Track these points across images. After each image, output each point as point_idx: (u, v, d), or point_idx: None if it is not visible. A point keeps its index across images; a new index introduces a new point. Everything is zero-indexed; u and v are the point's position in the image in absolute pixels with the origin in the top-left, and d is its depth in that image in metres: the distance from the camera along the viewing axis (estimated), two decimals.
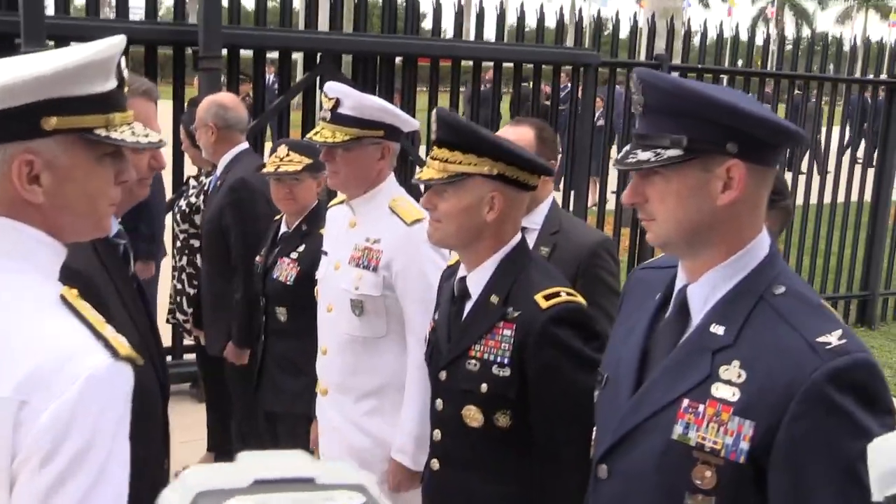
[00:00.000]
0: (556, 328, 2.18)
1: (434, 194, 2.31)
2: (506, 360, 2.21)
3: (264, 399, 3.63)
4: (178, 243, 4.78)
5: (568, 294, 2.24)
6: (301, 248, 3.50)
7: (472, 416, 2.26)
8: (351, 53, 6.23)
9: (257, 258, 3.75)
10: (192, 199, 4.70)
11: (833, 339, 1.50)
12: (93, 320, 1.34)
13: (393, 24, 6.25)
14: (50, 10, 5.26)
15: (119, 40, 1.45)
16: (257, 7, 5.90)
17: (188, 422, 5.08)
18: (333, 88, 2.88)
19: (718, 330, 1.60)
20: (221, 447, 4.79)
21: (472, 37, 6.76)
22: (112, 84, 1.44)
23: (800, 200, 8.24)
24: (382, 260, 2.82)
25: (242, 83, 6.78)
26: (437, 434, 2.38)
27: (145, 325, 1.99)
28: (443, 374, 2.34)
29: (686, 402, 1.58)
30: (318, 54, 6.02)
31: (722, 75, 7.54)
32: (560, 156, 3.69)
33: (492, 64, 6.89)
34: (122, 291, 1.91)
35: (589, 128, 6.94)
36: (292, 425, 3.43)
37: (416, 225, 2.81)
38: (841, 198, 8.34)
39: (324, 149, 2.88)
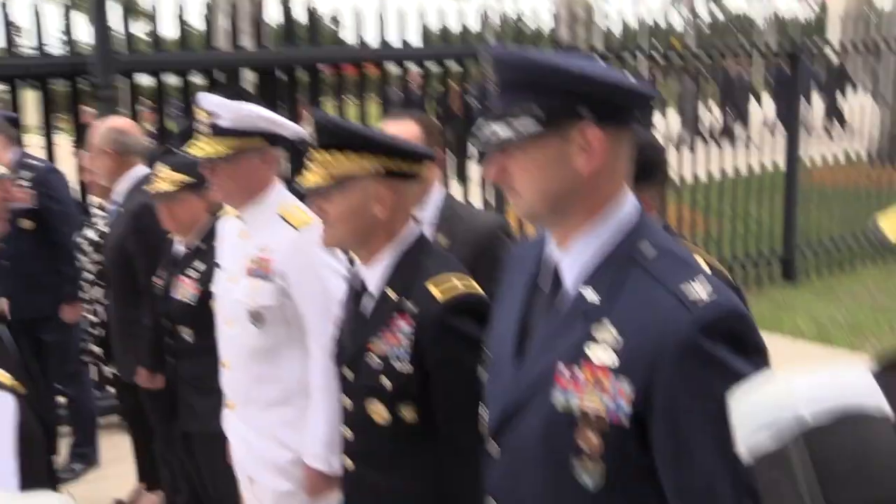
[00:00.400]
0: (453, 319, 2.17)
1: (321, 199, 2.30)
2: (405, 355, 2.20)
3: (180, 421, 3.58)
4: (90, 276, 4.68)
5: (463, 283, 2.23)
6: (200, 267, 3.44)
7: (378, 411, 2.24)
8: (251, 67, 6.20)
9: (156, 280, 3.70)
10: (103, 229, 4.60)
11: (702, 291, 1.51)
12: None
13: (292, 36, 6.24)
14: None
15: None
16: (154, 31, 5.84)
17: (122, 454, 5.02)
18: (208, 101, 2.84)
19: (590, 294, 1.60)
20: (151, 476, 4.72)
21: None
22: None
23: (722, 169, 8.48)
24: (275, 268, 2.80)
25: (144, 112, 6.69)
26: (348, 432, 2.36)
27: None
28: (347, 371, 2.33)
29: (564, 368, 1.58)
30: (222, 73, 5.98)
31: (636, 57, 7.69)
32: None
33: (419, 69, 6.93)
34: None
35: None
36: (209, 444, 3.38)
37: (305, 229, 2.79)
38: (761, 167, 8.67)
39: (205, 164, 2.84)
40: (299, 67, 6.27)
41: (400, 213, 2.32)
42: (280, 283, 2.79)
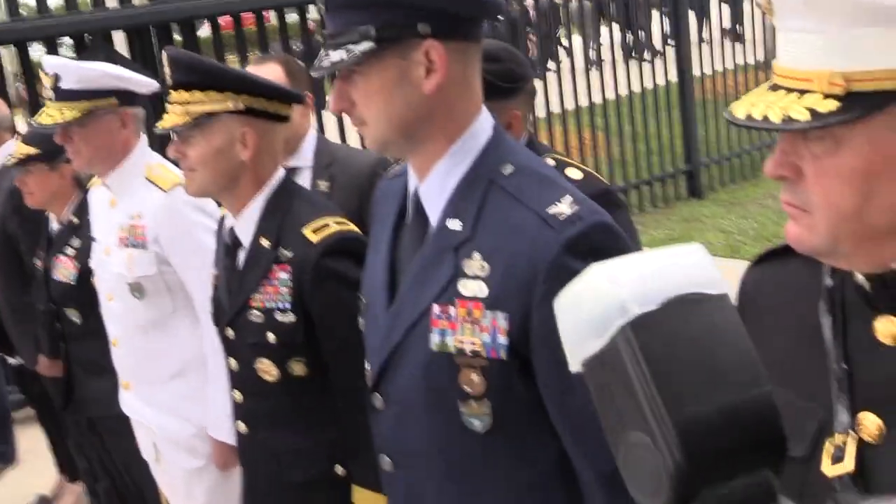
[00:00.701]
0: (331, 261, 2.06)
1: (181, 143, 2.15)
2: (287, 305, 2.09)
3: (81, 407, 3.41)
4: None
5: (337, 223, 2.12)
6: (76, 244, 3.23)
7: (266, 369, 2.13)
8: (121, 29, 5.90)
9: (37, 262, 3.48)
10: None
11: (565, 207, 1.41)
12: None
13: None
14: None
15: None
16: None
17: (40, 446, 4.81)
18: (51, 63, 2.65)
19: (455, 225, 1.49)
20: (71, 466, 4.54)
21: None
22: None
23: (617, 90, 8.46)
24: (149, 234, 2.64)
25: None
26: (238, 395, 2.25)
27: None
28: (229, 332, 2.21)
29: (436, 307, 1.47)
30: (85, 36, 5.67)
31: None
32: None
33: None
34: None
35: None
36: (114, 428, 3.22)
37: (175, 190, 2.62)
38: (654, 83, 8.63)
39: (58, 131, 2.65)
40: (174, 24, 5.98)
41: (267, 156, 2.19)
42: (156, 249, 2.64)
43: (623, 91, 8.38)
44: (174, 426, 2.78)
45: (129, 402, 2.88)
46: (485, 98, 1.57)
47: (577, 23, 13.86)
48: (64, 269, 3.22)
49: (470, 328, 1.44)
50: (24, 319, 3.94)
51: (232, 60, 6.55)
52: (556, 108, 8.07)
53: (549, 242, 1.38)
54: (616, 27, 9.26)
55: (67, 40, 5.98)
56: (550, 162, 2.21)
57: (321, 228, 2.09)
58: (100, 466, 3.65)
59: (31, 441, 5.07)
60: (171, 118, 2.13)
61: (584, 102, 8.05)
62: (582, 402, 1.38)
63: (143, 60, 5.75)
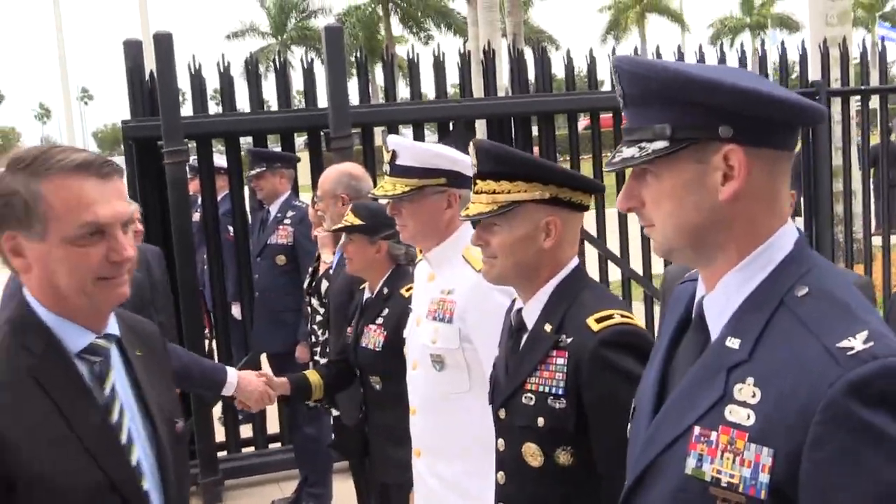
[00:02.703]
0: (608, 351, 2.01)
1: (484, 230, 2.22)
2: (560, 391, 2.06)
3: (376, 470, 3.55)
4: (318, 318, 4.83)
5: (622, 316, 2.07)
6: (385, 313, 3.40)
7: (532, 453, 2.11)
8: (483, 118, 6.25)
9: (348, 329, 3.70)
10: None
11: (857, 342, 1.24)
12: None
13: (524, 85, 6.23)
14: (188, 110, 5.59)
15: None
16: (386, 85, 6.04)
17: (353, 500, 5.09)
18: (391, 141, 2.84)
19: (734, 344, 1.37)
20: None
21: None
22: None
23: None
24: (457, 311, 2.71)
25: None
26: (501, 476, 2.24)
27: (124, 463, 1.78)
28: (502, 412, 2.22)
29: (698, 429, 1.37)
30: (450, 123, 6.07)
31: (889, 94, 7.02)
32: None
33: None
34: (71, 420, 1.70)
35: None
36: (406, 494, 3.33)
37: (483, 269, 2.69)
38: None
39: (389, 204, 2.83)
40: (532, 117, 6.26)
41: (567, 245, 2.21)
42: (460, 325, 2.70)
43: None
44: (455, 500, 2.80)
45: (419, 468, 2.95)
46: None
47: None
48: (372, 337, 3.39)
49: (730, 458, 1.32)
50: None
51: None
52: None
53: (832, 380, 1.23)
54: None
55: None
56: None
57: (605, 319, 2.05)
58: None
59: (345, 491, 5.34)
60: (478, 206, 2.20)
61: None
62: None
63: None
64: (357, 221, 3.50)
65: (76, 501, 1.67)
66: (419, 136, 6.18)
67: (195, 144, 5.78)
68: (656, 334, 1.71)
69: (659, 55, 6.47)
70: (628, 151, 1.44)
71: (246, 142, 6.31)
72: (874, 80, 7.27)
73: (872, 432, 1.19)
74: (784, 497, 1.27)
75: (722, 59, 6.72)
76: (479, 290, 2.67)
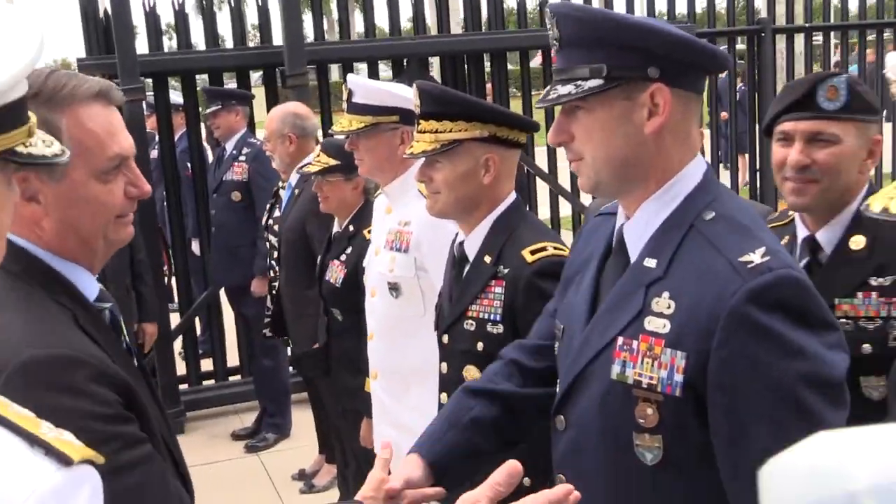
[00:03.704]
0: (541, 280, 2.17)
1: (427, 167, 2.36)
2: (498, 318, 2.24)
3: (334, 397, 3.73)
4: (276, 253, 4.94)
5: (555, 248, 2.23)
6: (348, 250, 3.56)
7: (472, 375, 2.27)
8: (437, 55, 6.34)
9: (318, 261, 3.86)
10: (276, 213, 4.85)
11: (756, 257, 1.43)
12: (18, 419, 0.93)
13: (477, 22, 6.31)
14: (143, 49, 5.60)
15: (40, 25, 1.12)
16: (340, 22, 6.09)
17: (311, 428, 5.28)
18: (350, 80, 2.97)
19: (651, 263, 1.55)
20: (330, 448, 4.92)
21: None
22: (25, 86, 1.11)
23: None
24: (412, 241, 2.86)
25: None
26: (444, 396, 2.40)
27: (152, 403, 1.57)
28: (445, 338, 2.38)
29: (621, 339, 1.54)
30: (405, 60, 6.15)
31: (831, 32, 7.20)
32: None
33: None
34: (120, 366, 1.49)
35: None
36: (357, 421, 3.53)
37: (427, 203, 2.83)
38: None
39: (347, 139, 2.97)
40: (485, 54, 6.34)
41: (504, 180, 2.36)
42: (416, 255, 2.85)
43: None
44: (408, 416, 2.95)
45: (374, 389, 3.12)
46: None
47: None
48: (335, 272, 3.56)
49: (650, 363, 1.50)
50: (302, 312, 4.34)
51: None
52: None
53: (734, 289, 1.41)
54: None
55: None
56: None
57: (539, 251, 2.22)
58: (350, 453, 3.95)
59: (304, 421, 5.56)
60: (421, 145, 2.33)
61: None
62: (747, 455, 1.40)
63: (453, 85, 6.12)
64: (331, 161, 3.61)
65: (167, 471, 1.48)
66: (374, 73, 6.26)
67: (151, 81, 5.80)
68: (569, 260, 1.88)
69: None
70: (564, 89, 1.57)
71: (202, 79, 6.34)
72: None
73: (768, 332, 1.39)
74: (695, 393, 1.46)
75: None
76: (434, 221, 2.82)
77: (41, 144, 1.13)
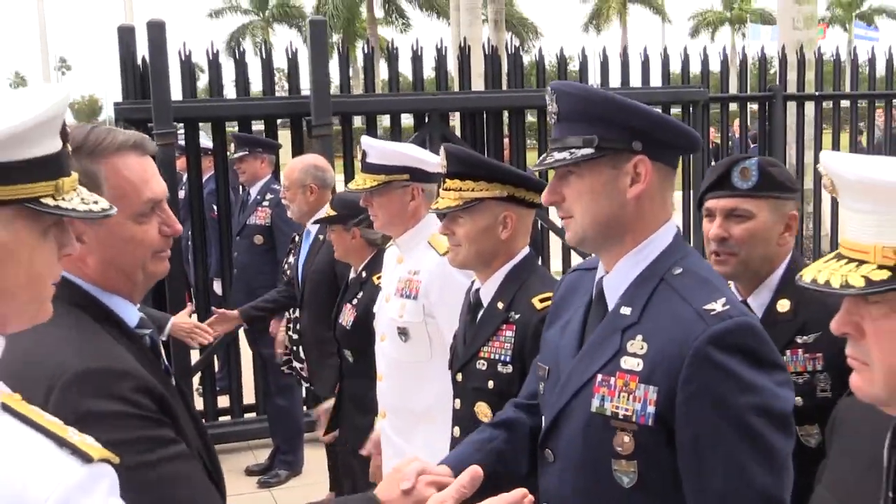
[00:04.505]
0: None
1: (450, 221, 2.59)
2: (508, 359, 2.45)
3: (348, 435, 3.90)
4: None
5: None
6: (360, 295, 3.78)
7: (483, 411, 2.49)
8: (457, 110, 6.58)
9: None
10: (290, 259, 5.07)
11: (717, 306, 1.66)
12: (49, 425, 1.11)
13: (497, 77, 6.56)
14: (177, 95, 5.87)
15: (64, 93, 1.26)
16: (365, 76, 6.35)
17: (323, 465, 5.44)
18: (364, 141, 3.22)
19: (626, 311, 1.77)
20: (341, 484, 5.06)
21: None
22: (58, 144, 1.24)
23: None
24: (421, 289, 3.07)
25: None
26: (457, 431, 2.61)
27: (189, 422, 1.75)
28: (459, 376, 2.59)
29: (600, 376, 1.75)
30: (426, 114, 6.40)
31: (842, 101, 7.40)
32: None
33: None
34: (163, 391, 1.66)
35: (700, 164, 6.97)
36: (367, 459, 3.69)
37: (448, 254, 3.03)
38: None
39: (362, 196, 3.21)
40: (505, 111, 6.58)
41: (520, 236, 2.59)
42: (424, 302, 3.06)
43: None
44: (421, 454, 3.13)
45: (383, 427, 3.31)
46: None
47: None
48: (346, 315, 3.79)
49: (626, 396, 1.71)
50: (323, 353, 4.53)
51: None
52: None
53: (698, 333, 1.64)
54: None
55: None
56: None
57: (547, 299, 2.42)
58: (359, 489, 4.12)
59: (316, 459, 5.72)
60: (446, 202, 2.57)
61: None
62: (712, 487, 1.61)
63: (472, 140, 6.35)
64: (332, 213, 3.89)
65: (198, 467, 1.67)
66: (396, 124, 6.51)
67: (183, 125, 6.07)
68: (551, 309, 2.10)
69: (646, 54, 6.81)
70: (559, 155, 1.80)
71: (231, 124, 6.61)
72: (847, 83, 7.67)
73: (726, 371, 1.62)
74: (665, 423, 1.67)
75: (705, 58, 7.00)
76: (442, 271, 3.03)
77: (77, 200, 1.26)
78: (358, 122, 7.85)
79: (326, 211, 3.95)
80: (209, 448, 1.81)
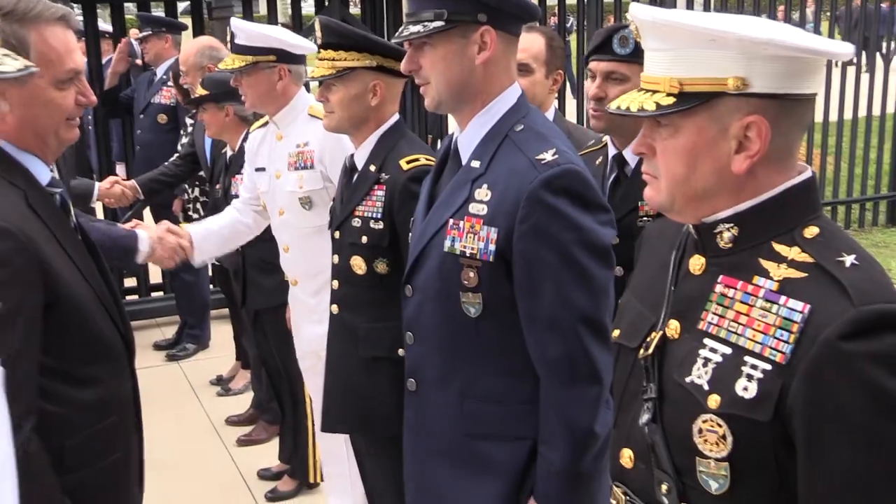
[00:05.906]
0: (414, 185, 2.59)
1: (325, 89, 2.80)
2: (379, 216, 2.70)
3: (252, 300, 4.11)
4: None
5: (426, 159, 2.69)
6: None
7: (358, 264, 2.74)
8: None
9: (217, 186, 4.33)
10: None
11: (548, 156, 1.94)
12: None
13: None
14: None
15: None
16: None
17: (229, 339, 5.70)
18: (232, 23, 3.35)
19: (476, 164, 2.04)
20: (246, 356, 5.30)
21: None
22: None
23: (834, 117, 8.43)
24: (315, 157, 3.27)
25: None
26: (335, 283, 2.86)
27: (97, 277, 1.99)
28: (337, 234, 2.83)
29: (451, 221, 2.02)
30: None
31: None
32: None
33: None
34: (63, 243, 1.90)
35: None
36: (273, 317, 3.94)
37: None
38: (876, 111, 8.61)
39: (233, 77, 3.38)
40: None
41: (389, 104, 2.82)
42: (321, 169, 3.27)
43: (848, 115, 8.40)
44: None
45: (295, 293, 3.49)
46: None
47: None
48: (238, 187, 3.90)
49: (472, 237, 1.99)
50: None
51: None
52: None
53: (532, 179, 1.91)
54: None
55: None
56: None
57: (413, 161, 2.69)
58: (263, 357, 4.36)
59: (222, 334, 5.99)
60: (320, 70, 2.77)
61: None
62: (539, 308, 1.93)
63: (372, 21, 6.43)
64: (203, 92, 4.06)
65: (88, 314, 1.90)
66: (297, 8, 6.55)
67: (80, 7, 6.03)
68: None
69: None
70: (414, 28, 2.02)
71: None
72: None
73: (555, 210, 1.89)
74: (504, 259, 1.95)
75: None
76: (331, 136, 3.21)
77: (8, 60, 1.41)
78: (262, 7, 7.82)
79: (199, 91, 4.09)
80: (116, 300, 2.03)
